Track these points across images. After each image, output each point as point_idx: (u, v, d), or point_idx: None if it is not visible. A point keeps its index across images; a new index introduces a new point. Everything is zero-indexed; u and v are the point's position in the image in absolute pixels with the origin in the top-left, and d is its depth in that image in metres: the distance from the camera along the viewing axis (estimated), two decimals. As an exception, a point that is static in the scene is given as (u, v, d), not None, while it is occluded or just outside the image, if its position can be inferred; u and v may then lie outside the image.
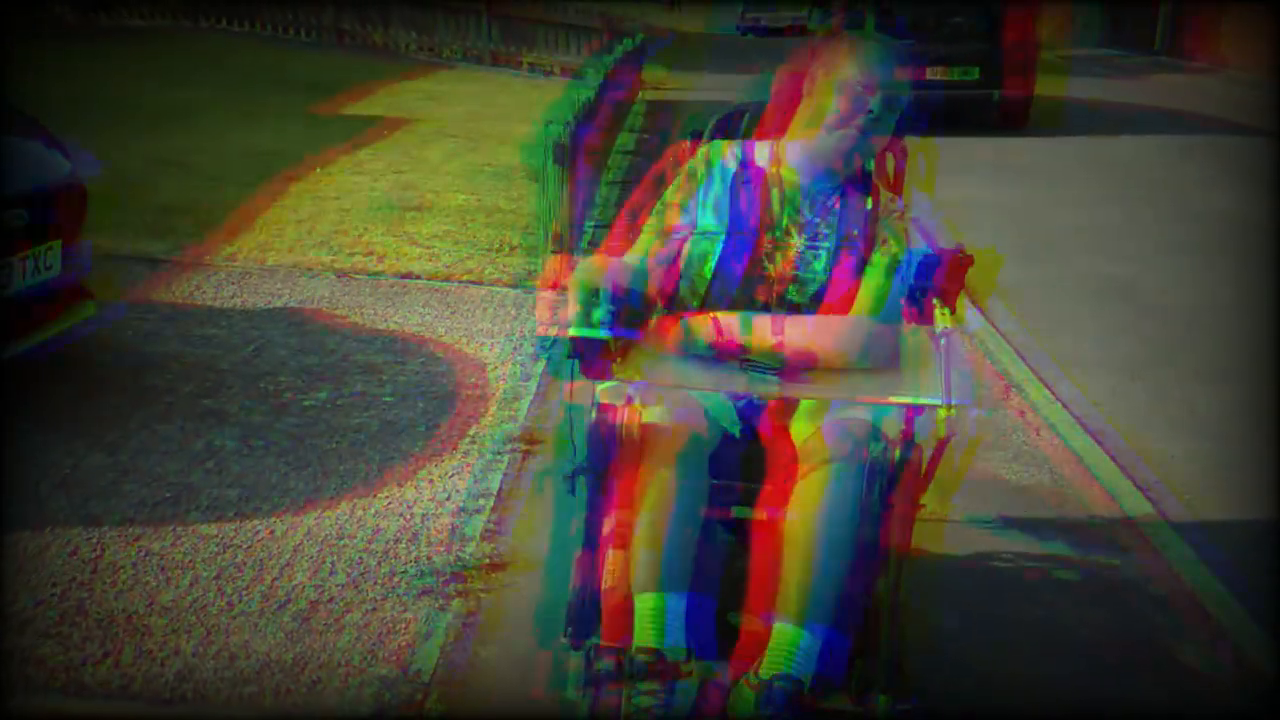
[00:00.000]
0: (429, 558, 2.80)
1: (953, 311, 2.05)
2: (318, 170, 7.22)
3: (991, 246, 4.53)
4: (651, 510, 1.98)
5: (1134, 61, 20.94)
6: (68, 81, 9.01)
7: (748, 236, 2.20)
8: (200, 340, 4.20)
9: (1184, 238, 7.08)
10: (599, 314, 2.01)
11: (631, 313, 2.11)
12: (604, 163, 7.66)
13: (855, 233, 2.18)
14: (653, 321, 2.22)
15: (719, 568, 2.04)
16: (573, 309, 2.02)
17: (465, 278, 5.30)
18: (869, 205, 2.20)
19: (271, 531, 2.87)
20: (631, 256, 2.25)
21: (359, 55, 13.97)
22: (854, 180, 2.23)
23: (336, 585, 2.66)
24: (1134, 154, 10.47)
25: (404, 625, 2.51)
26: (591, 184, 6.51)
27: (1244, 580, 2.99)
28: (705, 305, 2.19)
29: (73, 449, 3.24)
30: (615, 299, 2.05)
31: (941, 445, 1.97)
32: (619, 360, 2.08)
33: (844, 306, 2.15)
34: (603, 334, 2.00)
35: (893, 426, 2.06)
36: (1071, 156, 10.21)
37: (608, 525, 2.03)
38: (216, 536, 2.83)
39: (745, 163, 2.28)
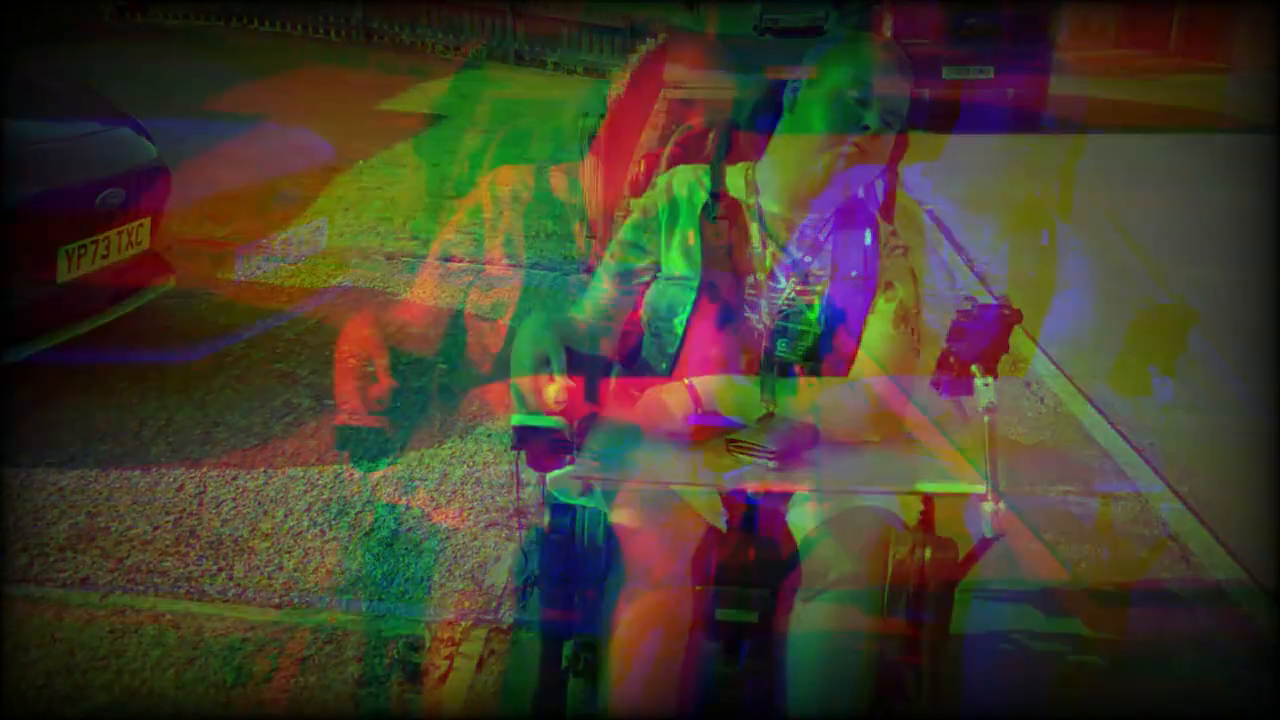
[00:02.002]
0: (492, 498, 3.13)
1: (995, 378, 1.63)
2: (359, 163, 7.57)
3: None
4: (623, 633, 1.60)
5: (1148, 61, 21.16)
6: (113, 80, 9.41)
7: (725, 282, 1.82)
8: (267, 313, 4.56)
9: (1191, 230, 7.37)
10: (551, 395, 1.61)
11: (589, 385, 1.77)
12: (632, 156, 8.00)
13: (854, 274, 1.83)
14: (612, 389, 1.90)
15: (709, 692, 1.80)
16: (519, 390, 1.63)
17: (505, 260, 5.65)
18: (868, 240, 1.86)
19: (352, 474, 3.22)
20: (584, 310, 1.90)
21: (388, 54, 14.32)
22: (848, 211, 1.88)
23: (412, 518, 3.00)
24: (1145, 151, 10.74)
25: (475, 550, 2.84)
26: (623, 174, 6.85)
27: (1218, 519, 3.32)
28: (677, 367, 1.83)
29: (165, 404, 3.59)
30: (572, 370, 1.65)
31: (986, 544, 1.62)
32: (577, 444, 1.63)
33: (845, 364, 1.82)
34: (553, 422, 1.58)
35: (912, 513, 1.78)
36: (1088, 155, 10.49)
37: (567, 650, 1.71)
38: (303, 478, 3.18)
39: (716, 193, 1.89)
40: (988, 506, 1.58)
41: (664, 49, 13.40)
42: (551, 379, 1.63)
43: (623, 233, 1.93)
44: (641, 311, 1.90)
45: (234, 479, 3.14)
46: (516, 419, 1.60)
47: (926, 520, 1.81)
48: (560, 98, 11.53)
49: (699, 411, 1.77)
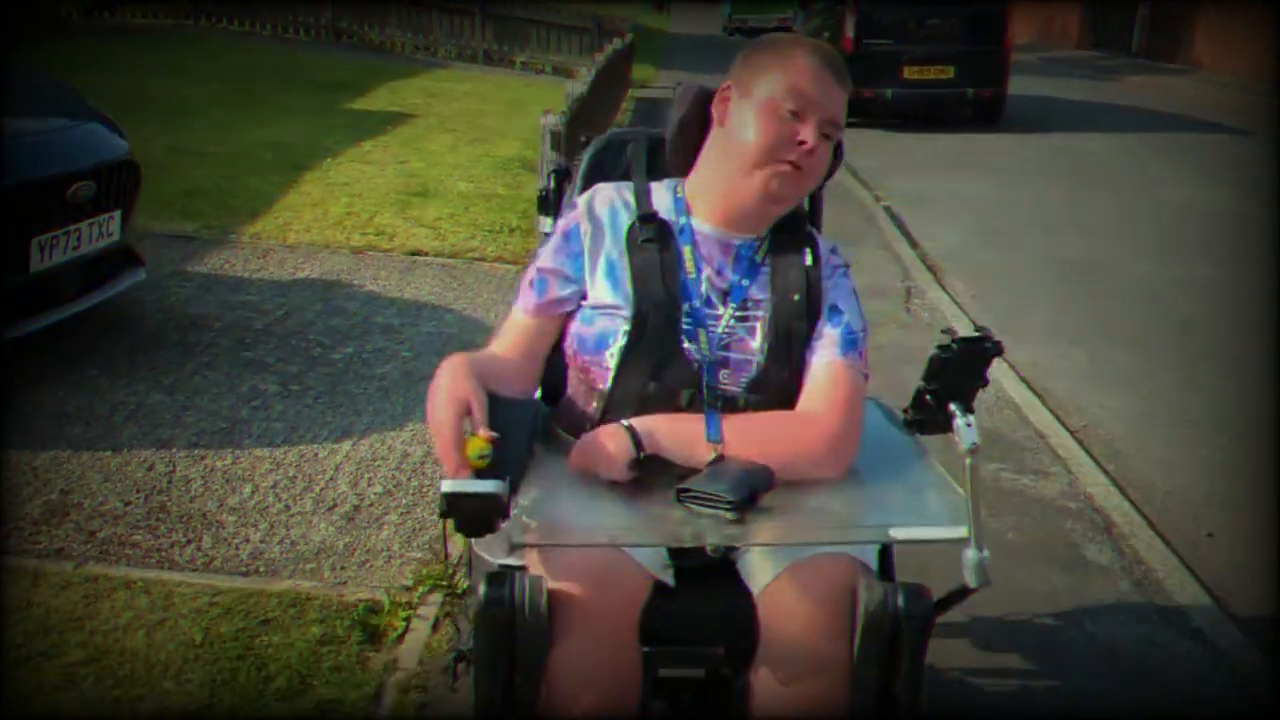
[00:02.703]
0: (451, 475, 3.28)
1: (970, 412, 1.52)
2: (327, 160, 7.68)
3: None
4: (566, 701, 1.49)
5: (1111, 63, 21.55)
6: (81, 77, 9.45)
7: (658, 311, 1.67)
8: (235, 304, 4.68)
9: (1140, 225, 7.62)
10: (476, 449, 1.43)
11: (517, 432, 1.55)
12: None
13: (795, 297, 1.70)
14: (538, 433, 1.70)
15: None
16: (440, 446, 1.46)
17: (469, 255, 5.78)
18: (809, 260, 1.73)
19: (315, 454, 3.36)
20: (503, 345, 1.72)
21: (357, 54, 14.41)
22: (786, 230, 1.76)
23: (374, 494, 3.14)
24: (1102, 150, 11.01)
25: (433, 524, 2.99)
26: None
27: (1145, 495, 3.51)
28: (611, 407, 1.67)
29: (136, 390, 3.71)
30: (494, 419, 1.48)
31: (966, 593, 1.52)
32: (511, 502, 1.45)
33: (794, 396, 1.67)
34: (489, 487, 1.41)
35: (870, 553, 1.65)
36: (1043, 152, 10.75)
37: None
38: (269, 458, 3.31)
39: (644, 212, 1.75)
40: (972, 555, 1.45)
41: (631, 48, 13.59)
42: (475, 431, 1.45)
43: (541, 258, 1.75)
44: (567, 344, 1.72)
45: (202, 459, 3.27)
46: (447, 485, 1.41)
47: (885, 561, 1.70)
48: (527, 97, 11.67)
49: (642, 456, 1.57)
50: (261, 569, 2.71)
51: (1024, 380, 4.53)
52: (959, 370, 1.54)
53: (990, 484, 3.51)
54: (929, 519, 1.54)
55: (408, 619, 2.53)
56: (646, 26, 18.98)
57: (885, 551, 1.72)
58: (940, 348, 1.55)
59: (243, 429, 3.50)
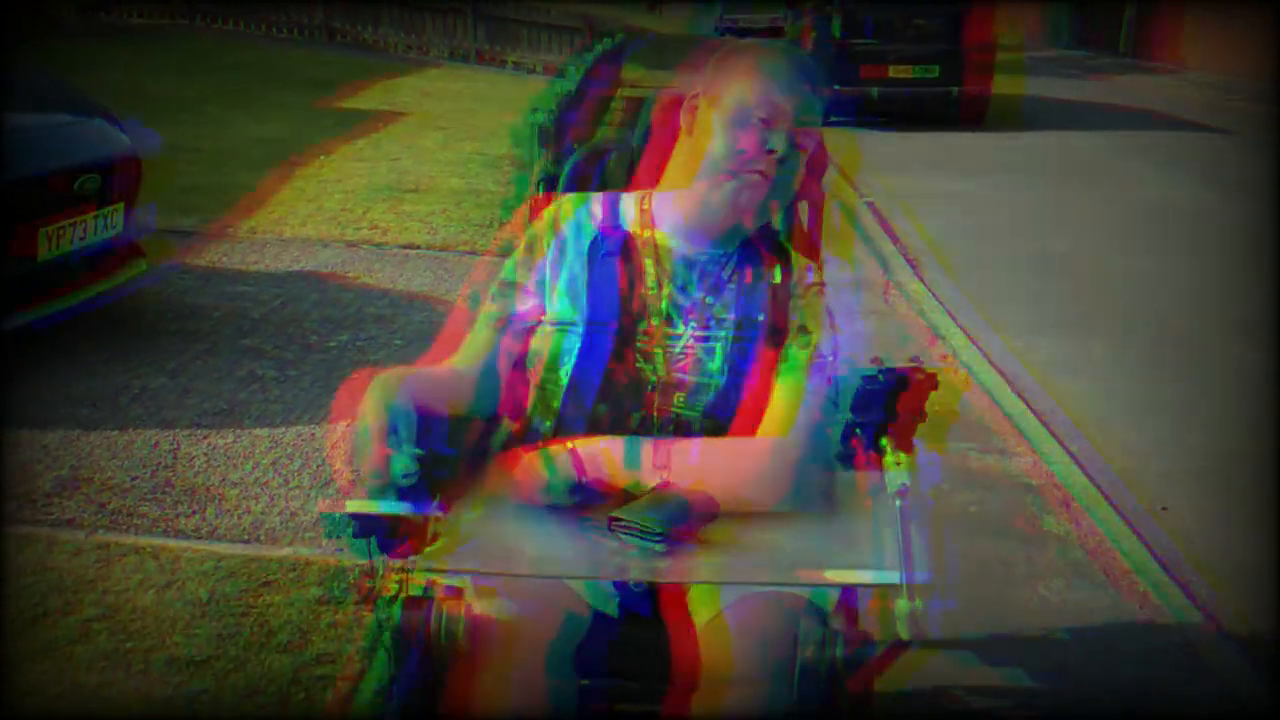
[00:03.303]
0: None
1: (907, 452, 1.46)
2: (320, 158, 7.84)
3: (953, 368, 4.80)
4: None
5: (1099, 63, 21.75)
6: (78, 76, 9.60)
7: (613, 327, 1.61)
8: (233, 295, 4.84)
9: (1118, 221, 7.80)
10: (400, 465, 1.41)
11: (446, 458, 1.52)
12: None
13: (760, 317, 1.61)
14: (495, 451, 1.67)
15: None
16: (362, 457, 1.44)
17: (461, 248, 5.95)
18: (777, 278, 1.64)
19: (312, 434, 3.52)
20: (464, 359, 1.66)
21: (349, 53, 14.56)
22: (755, 245, 1.67)
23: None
24: (1085, 148, 11.20)
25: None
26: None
27: (1100, 471, 3.70)
28: (561, 427, 1.61)
29: (140, 374, 3.87)
30: (424, 437, 1.45)
31: (899, 647, 1.41)
32: (438, 522, 1.45)
33: (752, 422, 1.59)
34: (392, 507, 1.38)
35: (831, 598, 1.56)
36: (1026, 151, 10.93)
37: None
38: (268, 436, 3.47)
39: (608, 224, 1.68)
40: (901, 604, 1.35)
41: (621, 48, 13.74)
42: (398, 450, 1.41)
43: (505, 270, 1.70)
44: (528, 361, 1.66)
45: (205, 438, 3.43)
46: (349, 505, 1.38)
47: (847, 607, 1.57)
48: (518, 96, 11.82)
49: (582, 480, 1.52)
50: (262, 537, 2.87)
51: (995, 367, 4.71)
52: (889, 403, 1.45)
53: (958, 462, 3.68)
54: (876, 564, 1.42)
55: (400, 582, 2.68)
56: (640, 26, 19.16)
57: (848, 595, 1.58)
58: (866, 378, 1.46)
59: (242, 410, 3.66)
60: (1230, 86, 16.84)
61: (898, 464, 1.45)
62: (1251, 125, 13.19)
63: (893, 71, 12.07)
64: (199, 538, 2.85)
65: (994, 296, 5.90)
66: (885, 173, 9.32)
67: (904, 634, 1.36)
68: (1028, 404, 4.29)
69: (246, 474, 3.22)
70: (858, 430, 1.53)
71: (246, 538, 2.87)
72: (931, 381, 1.50)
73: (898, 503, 1.41)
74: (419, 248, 5.89)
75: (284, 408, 3.70)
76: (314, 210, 6.41)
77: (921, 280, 6.10)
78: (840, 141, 11.02)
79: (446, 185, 7.34)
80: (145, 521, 2.91)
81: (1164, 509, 3.51)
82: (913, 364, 1.51)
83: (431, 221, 6.38)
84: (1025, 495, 3.50)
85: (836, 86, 11.94)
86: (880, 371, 1.49)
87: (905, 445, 1.48)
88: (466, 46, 15.46)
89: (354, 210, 6.47)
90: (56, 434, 3.35)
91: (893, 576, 1.38)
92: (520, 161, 7.82)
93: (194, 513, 2.98)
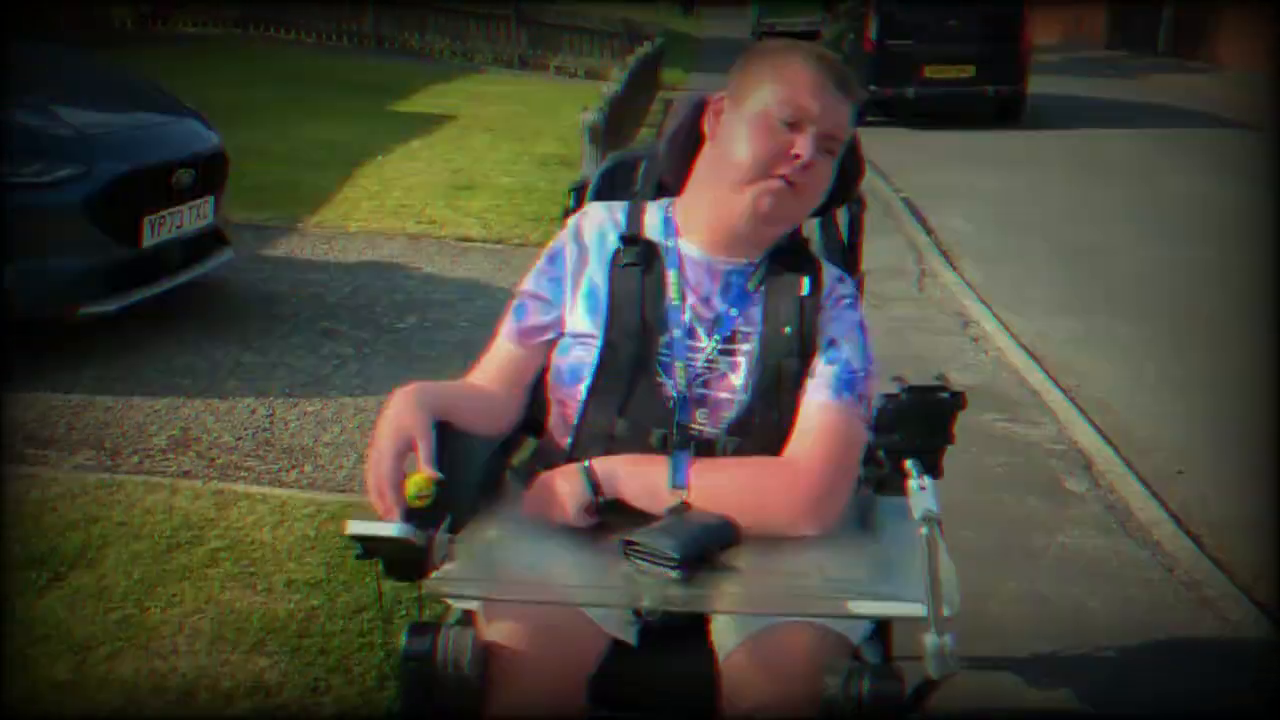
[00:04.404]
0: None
1: (936, 476, 1.36)
2: (378, 157, 8.22)
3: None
4: None
5: (1137, 62, 21.79)
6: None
7: (631, 340, 1.54)
8: (307, 282, 5.20)
9: (1148, 214, 8.00)
10: (415, 488, 1.34)
11: (478, 470, 1.49)
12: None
13: (788, 330, 1.55)
14: (517, 469, 1.63)
15: None
16: (372, 482, 1.38)
17: (515, 241, 6.29)
18: (805, 289, 1.57)
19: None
20: (485, 375, 1.61)
21: (398, 60, 14.99)
22: (783, 255, 1.61)
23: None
24: (1119, 146, 11.37)
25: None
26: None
27: (1120, 439, 3.95)
28: (579, 445, 1.55)
29: (231, 351, 4.23)
30: (442, 456, 1.39)
31: (931, 687, 1.30)
32: (449, 544, 1.36)
33: (777, 441, 1.52)
34: (396, 530, 1.30)
35: (859, 629, 1.50)
36: (1061, 148, 11.12)
37: None
38: (352, 404, 3.82)
39: (629, 235, 1.62)
40: (930, 641, 1.22)
41: (660, 52, 14.13)
42: (416, 469, 1.35)
43: (527, 281, 1.64)
44: (547, 376, 1.60)
45: (295, 405, 3.78)
46: (352, 526, 1.30)
47: (880, 637, 1.52)
48: (562, 99, 12.18)
49: (598, 501, 1.46)
50: (357, 488, 3.21)
51: (1024, 348, 4.96)
52: (914, 424, 1.35)
53: (985, 430, 3.95)
54: (916, 594, 1.26)
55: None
56: (676, 30, 19.47)
57: (882, 625, 1.53)
58: (888, 396, 1.35)
59: (326, 382, 4.01)
60: (1267, 84, 16.87)
61: (923, 489, 1.29)
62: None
63: (929, 72, 12.29)
64: (300, 487, 3.19)
65: (1024, 283, 6.15)
66: (921, 170, 9.57)
67: (933, 673, 1.22)
68: (1054, 379, 4.56)
69: (336, 436, 3.56)
70: (881, 452, 1.39)
71: (342, 488, 3.21)
72: (959, 401, 1.33)
73: (924, 530, 1.25)
74: (475, 240, 6.23)
75: (363, 380, 4.05)
76: (376, 206, 6.78)
77: (954, 268, 6.36)
78: (876, 140, 11.28)
79: (498, 183, 7.69)
80: (251, 474, 3.26)
81: (1180, 472, 3.77)
82: (938, 382, 1.35)
83: (485, 217, 6.72)
84: (1049, 460, 3.77)
85: (873, 87, 12.22)
86: (903, 390, 1.36)
87: (932, 468, 1.31)
88: (510, 52, 15.86)
89: (413, 206, 6.83)
90: (164, 400, 3.72)
91: (917, 610, 1.23)
92: (569, 161, 8.17)
93: (293, 467, 3.32)
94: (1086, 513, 3.39)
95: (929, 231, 7.30)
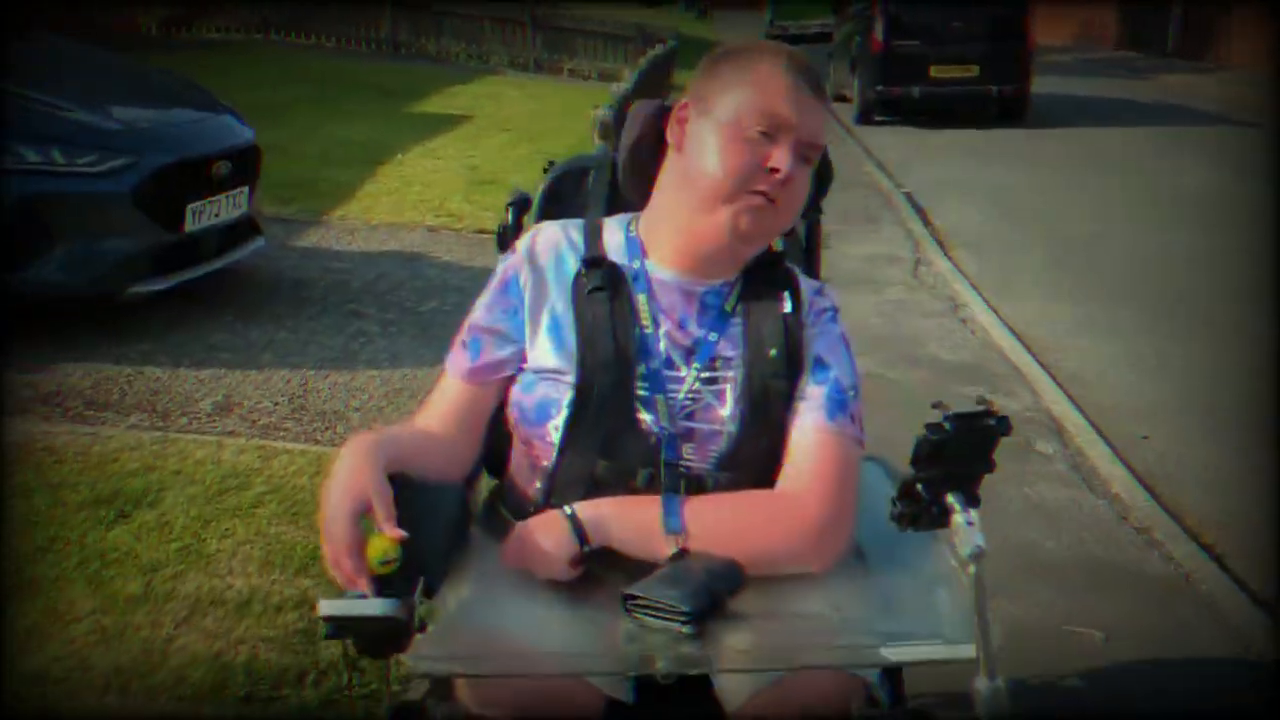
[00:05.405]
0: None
1: (975, 505, 1.24)
2: (398, 156, 8.57)
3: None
4: None
5: (1146, 62, 22.00)
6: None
7: (607, 374, 1.42)
8: (334, 270, 5.54)
9: (1145, 207, 8.27)
10: (379, 553, 1.19)
11: (439, 527, 1.30)
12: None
13: (773, 353, 1.45)
14: (478, 516, 1.50)
15: None
16: (329, 551, 1.23)
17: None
18: (787, 306, 1.48)
19: (415, 375, 4.18)
20: (433, 417, 1.47)
21: (415, 64, 15.35)
22: (758, 271, 1.51)
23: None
24: (1121, 143, 11.62)
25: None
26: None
27: (1092, 408, 4.24)
28: (555, 489, 1.43)
29: (265, 329, 4.57)
30: (403, 513, 1.24)
31: None
32: (424, 610, 1.20)
33: (770, 469, 1.43)
34: (377, 608, 1.17)
35: (872, 670, 1.40)
36: (1062, 145, 11.39)
37: None
38: (379, 377, 4.14)
39: (591, 258, 1.49)
40: (980, 685, 1.17)
41: (673, 54, 14.52)
42: (376, 532, 1.21)
43: (477, 314, 1.51)
44: (508, 413, 1.47)
45: (327, 376, 4.11)
46: (324, 607, 1.16)
47: (891, 680, 1.45)
48: (576, 101, 12.51)
49: (587, 549, 1.34)
50: (384, 446, 3.53)
51: (1010, 329, 5.25)
52: (956, 453, 1.22)
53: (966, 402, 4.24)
54: (932, 631, 1.23)
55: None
56: (688, 34, 19.79)
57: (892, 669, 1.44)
58: (930, 426, 1.22)
59: (354, 357, 4.34)
60: (1273, 84, 17.06)
61: (970, 524, 1.21)
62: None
63: (935, 72, 12.57)
64: (333, 445, 3.51)
65: (1015, 271, 6.44)
66: (923, 166, 9.86)
67: (983, 717, 1.17)
68: (1035, 357, 4.85)
69: (366, 402, 3.89)
70: (919, 486, 1.23)
71: (371, 446, 3.53)
72: (1005, 426, 1.23)
73: (972, 569, 1.19)
74: (492, 233, 6.54)
75: (390, 355, 4.38)
76: (396, 201, 7.11)
77: (949, 257, 6.65)
78: (880, 138, 11.57)
79: (514, 180, 8.00)
80: (290, 434, 3.59)
81: (1145, 437, 4.06)
82: (981, 407, 1.24)
83: (502, 211, 7.03)
84: (1023, 425, 4.06)
85: (880, 87, 12.52)
86: (946, 418, 1.22)
87: (973, 499, 1.23)
88: (525, 56, 16.21)
89: (432, 201, 7.17)
90: (207, 371, 4.06)
91: (966, 651, 1.19)
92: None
93: (328, 429, 3.65)
94: (1053, 470, 3.69)
95: (927, 223, 7.59)
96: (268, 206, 6.56)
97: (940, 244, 6.98)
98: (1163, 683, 2.59)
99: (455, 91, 12.82)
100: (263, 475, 3.18)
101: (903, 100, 12.55)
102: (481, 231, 6.56)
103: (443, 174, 8.03)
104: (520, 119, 11.06)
